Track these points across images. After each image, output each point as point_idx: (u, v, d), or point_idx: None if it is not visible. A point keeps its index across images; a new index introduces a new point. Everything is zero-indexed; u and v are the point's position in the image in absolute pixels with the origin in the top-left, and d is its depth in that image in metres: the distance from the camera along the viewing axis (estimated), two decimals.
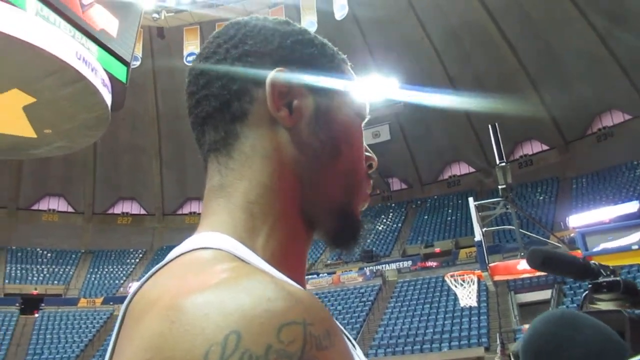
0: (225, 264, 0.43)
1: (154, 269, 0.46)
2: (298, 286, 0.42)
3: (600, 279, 0.79)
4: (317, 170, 0.57)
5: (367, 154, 0.63)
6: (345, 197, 0.59)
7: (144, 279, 0.45)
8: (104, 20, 8.61)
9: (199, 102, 0.59)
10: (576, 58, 28.46)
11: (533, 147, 33.81)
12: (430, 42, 32.09)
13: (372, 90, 29.29)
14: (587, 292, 0.82)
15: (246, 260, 0.46)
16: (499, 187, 10.69)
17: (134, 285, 0.46)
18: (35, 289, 32.45)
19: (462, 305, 11.82)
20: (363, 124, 0.64)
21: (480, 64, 31.55)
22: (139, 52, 23.40)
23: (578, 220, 24.13)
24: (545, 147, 33.24)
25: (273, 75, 0.56)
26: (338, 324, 0.51)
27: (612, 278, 0.78)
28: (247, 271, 0.41)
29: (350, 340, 0.59)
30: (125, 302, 0.44)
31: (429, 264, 28.52)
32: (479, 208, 10.43)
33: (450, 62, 32.49)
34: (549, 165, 32.13)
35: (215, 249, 0.46)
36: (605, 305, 0.79)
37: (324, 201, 0.58)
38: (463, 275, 11.29)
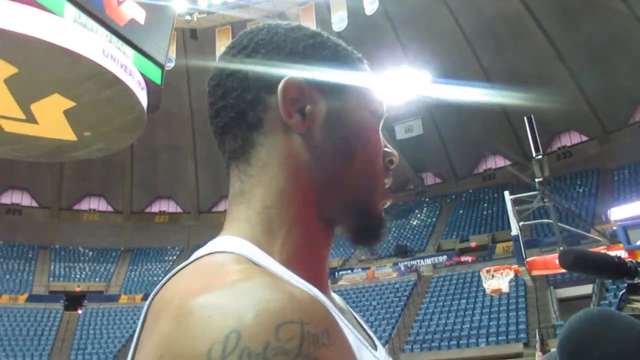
0: (236, 266, 0.45)
1: (175, 270, 0.49)
2: (302, 287, 0.45)
3: (637, 280, 0.78)
4: (332, 173, 0.58)
5: (386, 149, 0.64)
6: (363, 196, 0.60)
7: (165, 278, 0.48)
8: (133, 11, 8.82)
9: (217, 113, 0.61)
10: (616, 46, 27.50)
11: (572, 138, 32.87)
12: (463, 35, 31.53)
13: (404, 84, 29.04)
14: (623, 292, 0.81)
15: (258, 263, 0.48)
16: (536, 180, 10.45)
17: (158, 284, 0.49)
18: (78, 287, 33.53)
19: (491, 288, 11.53)
20: (381, 123, 0.65)
21: (516, 55, 30.82)
22: (172, 54, 23.84)
23: (620, 212, 23.37)
24: (584, 138, 32.27)
25: (284, 82, 0.57)
26: (347, 325, 0.52)
27: None
28: (251, 274, 0.43)
29: (371, 338, 0.61)
30: (149, 299, 0.47)
31: (465, 258, 28.15)
32: (515, 202, 10.23)
33: (484, 53, 31.87)
34: (588, 157, 31.20)
35: (230, 253, 0.49)
36: None
37: (341, 202, 0.59)
38: (499, 270, 11.09)
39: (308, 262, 0.56)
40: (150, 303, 0.46)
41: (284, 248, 0.55)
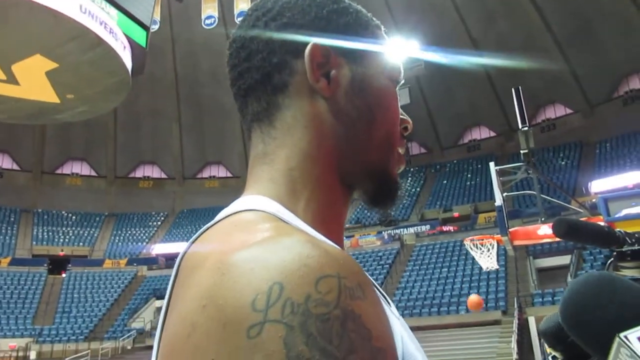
0: (267, 223, 0.47)
1: (202, 229, 0.50)
2: (333, 245, 0.46)
3: (625, 248, 0.81)
4: (354, 137, 0.60)
5: (402, 117, 0.66)
6: (381, 160, 0.62)
7: (194, 237, 0.49)
8: None
9: (241, 75, 0.62)
10: (606, 20, 27.51)
11: (556, 111, 33.15)
12: (453, 3, 31.24)
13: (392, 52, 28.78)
14: (611, 260, 0.84)
15: (287, 221, 0.50)
16: (521, 151, 10.56)
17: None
18: (62, 251, 33.47)
19: (484, 269, 11.79)
20: (398, 88, 0.66)
21: (504, 25, 30.70)
22: (157, 16, 23.27)
23: (601, 185, 23.83)
24: (569, 111, 32.57)
25: (311, 47, 0.58)
26: (372, 281, 0.54)
27: (636, 247, 0.80)
28: (287, 230, 0.45)
29: (385, 297, 0.63)
30: (179, 257, 0.49)
31: (447, 228, 28.58)
32: (499, 173, 10.34)
33: (473, 23, 31.68)
34: (572, 129, 31.55)
35: (259, 211, 0.51)
36: (629, 272, 0.81)
37: (361, 165, 0.61)
38: (482, 239, 11.27)
39: (329, 222, 0.58)
40: (181, 260, 0.48)
41: (307, 208, 0.56)
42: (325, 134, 0.59)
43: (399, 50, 27.76)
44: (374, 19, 0.67)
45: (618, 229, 0.85)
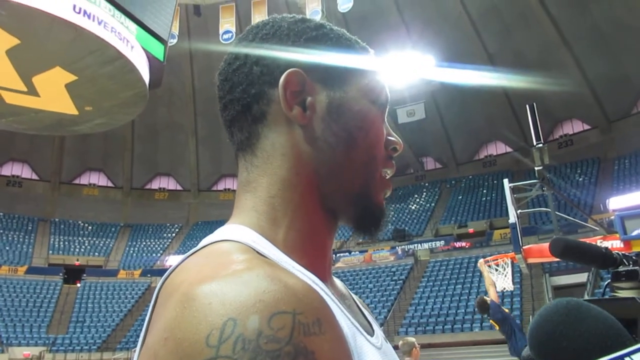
0: (238, 256, 0.48)
1: (185, 255, 0.52)
2: (301, 276, 0.48)
3: (621, 268, 0.81)
4: (333, 164, 0.60)
5: (390, 138, 0.65)
6: (363, 185, 0.61)
7: (176, 263, 0.51)
8: None
9: (225, 107, 0.64)
10: (624, 34, 27.26)
11: (574, 127, 32.81)
12: (469, 18, 31.24)
13: (407, 68, 28.85)
14: (608, 281, 0.84)
15: (261, 252, 0.51)
16: (536, 168, 10.47)
17: (170, 266, 0.51)
18: (78, 260, 33.77)
19: (499, 289, 11.52)
20: (386, 110, 0.66)
21: (521, 40, 30.57)
22: (175, 30, 23.61)
23: (618, 202, 23.43)
24: (586, 127, 32.20)
25: (285, 76, 0.59)
26: (344, 311, 0.54)
27: (631, 267, 0.79)
28: (252, 264, 0.45)
29: (370, 325, 0.63)
30: (160, 282, 0.50)
31: (462, 244, 28.29)
32: (514, 189, 10.23)
33: (489, 38, 31.61)
34: (590, 145, 31.17)
35: (235, 242, 0.52)
36: (625, 293, 0.81)
37: (343, 192, 0.61)
38: (497, 260, 11.06)
39: (310, 249, 0.58)
40: (162, 286, 0.49)
41: (287, 236, 0.57)
42: (304, 161, 0.59)
43: (405, 64, 27.79)
44: (360, 41, 0.67)
45: (616, 251, 0.85)
